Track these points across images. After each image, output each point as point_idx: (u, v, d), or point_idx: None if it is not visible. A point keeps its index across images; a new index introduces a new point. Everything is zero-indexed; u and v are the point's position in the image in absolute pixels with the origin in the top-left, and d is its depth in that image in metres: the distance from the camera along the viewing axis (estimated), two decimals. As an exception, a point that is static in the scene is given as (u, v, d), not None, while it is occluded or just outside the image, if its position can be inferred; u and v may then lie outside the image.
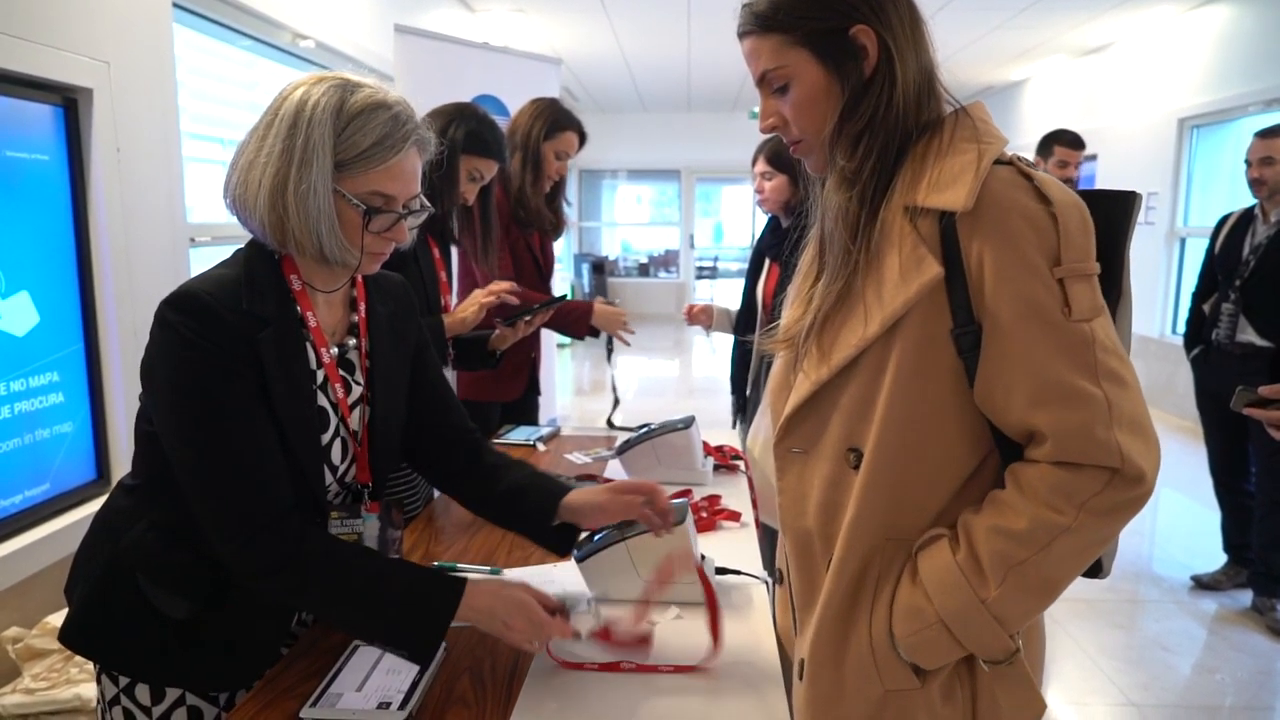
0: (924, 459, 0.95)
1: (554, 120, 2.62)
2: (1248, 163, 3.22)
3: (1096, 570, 1.01)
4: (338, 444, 1.22)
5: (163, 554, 1.15)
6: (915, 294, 0.91)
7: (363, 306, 1.28)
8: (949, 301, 0.91)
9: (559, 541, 1.38)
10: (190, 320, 1.06)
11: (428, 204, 1.20)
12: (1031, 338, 0.88)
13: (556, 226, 2.74)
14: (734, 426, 2.86)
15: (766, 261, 2.72)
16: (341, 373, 1.23)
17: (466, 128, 2.06)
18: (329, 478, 1.22)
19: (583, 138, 2.70)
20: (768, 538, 2.67)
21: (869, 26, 0.95)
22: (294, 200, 1.07)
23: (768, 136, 2.55)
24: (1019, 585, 0.89)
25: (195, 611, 1.15)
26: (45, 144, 2.23)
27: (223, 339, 1.06)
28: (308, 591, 1.12)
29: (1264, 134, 3.20)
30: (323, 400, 1.19)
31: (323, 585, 1.11)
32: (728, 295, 13.94)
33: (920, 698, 0.96)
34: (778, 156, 2.55)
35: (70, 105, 2.29)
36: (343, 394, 1.22)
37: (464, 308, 2.07)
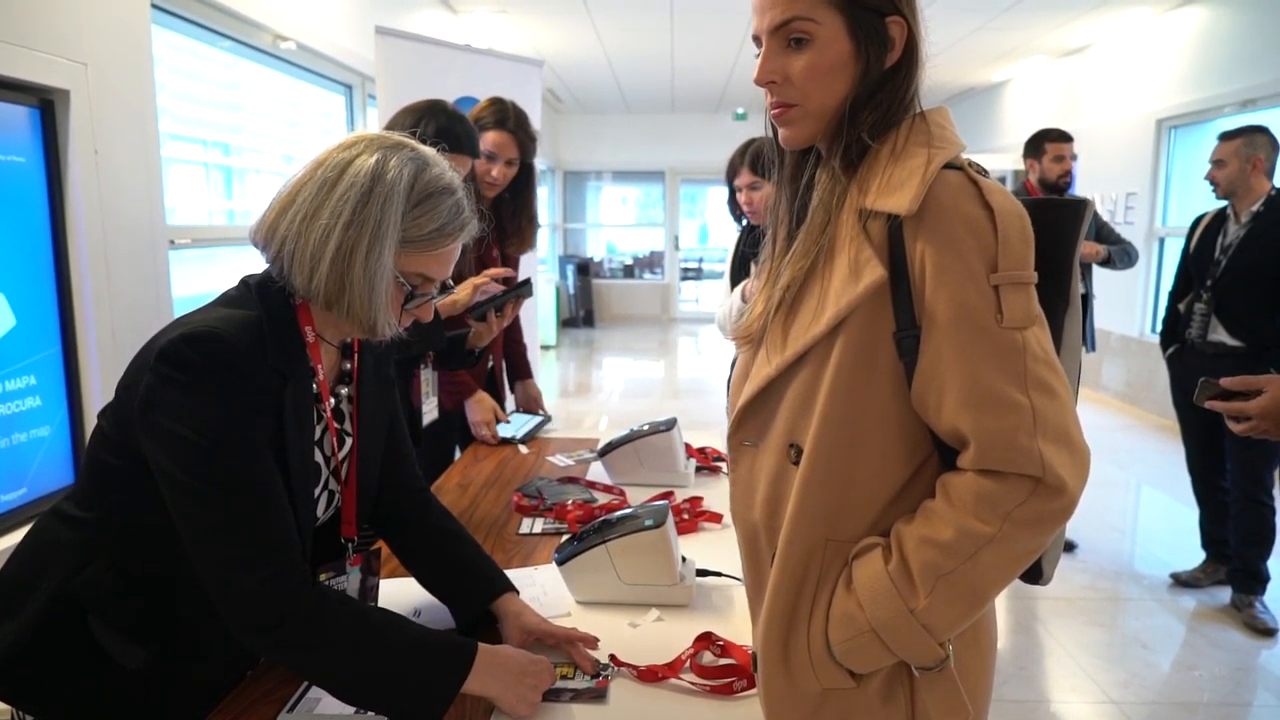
0: (861, 459, 0.95)
1: (483, 115, 2.42)
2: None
3: (1037, 575, 1.02)
4: (324, 497, 1.21)
5: (122, 597, 1.08)
6: (859, 296, 0.91)
7: (356, 356, 1.26)
8: (893, 304, 0.92)
9: (472, 625, 1.32)
10: (214, 362, 1.01)
11: (453, 285, 1.20)
12: (963, 342, 0.88)
13: (516, 241, 2.57)
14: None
15: (753, 267, 2.73)
16: (335, 425, 1.21)
17: (438, 123, 2.04)
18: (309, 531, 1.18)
19: (520, 140, 2.45)
20: None
21: (904, 20, 0.96)
22: (362, 273, 1.05)
23: (741, 148, 2.55)
24: (947, 595, 0.90)
25: (149, 661, 1.09)
26: (21, 146, 2.21)
27: (250, 384, 1.03)
28: (315, 661, 1.04)
29: (1222, 136, 3.26)
30: (319, 454, 1.18)
31: (331, 655, 1.04)
32: (713, 296, 13.96)
33: (858, 697, 0.97)
34: (761, 164, 2.53)
35: (47, 107, 2.27)
36: (336, 446, 1.21)
37: (459, 290, 2.06)
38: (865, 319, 0.93)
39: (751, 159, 2.52)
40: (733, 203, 2.66)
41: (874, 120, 0.97)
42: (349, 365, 1.24)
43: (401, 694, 1.04)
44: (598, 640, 1.29)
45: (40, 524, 1.17)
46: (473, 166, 2.17)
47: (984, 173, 0.95)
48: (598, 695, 1.17)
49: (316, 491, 1.18)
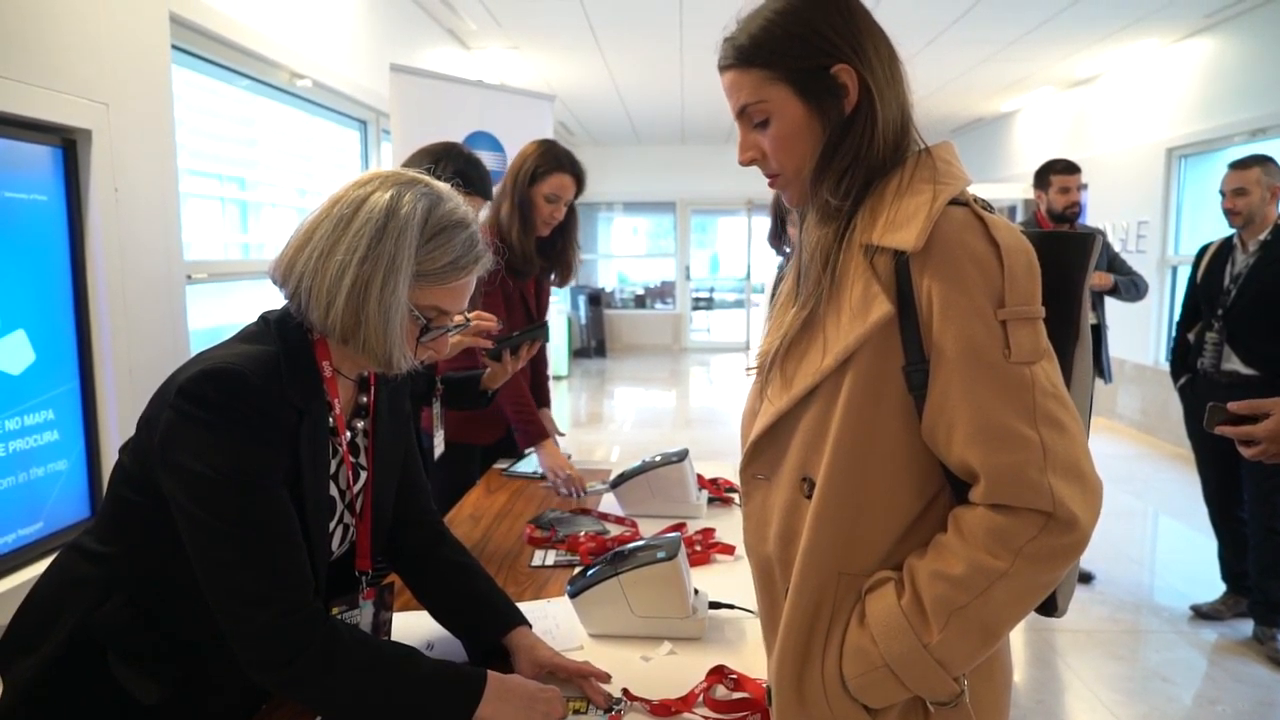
0: (872, 492, 0.95)
1: (543, 162, 2.58)
2: (1222, 193, 3.27)
3: (1051, 609, 1.01)
4: (339, 531, 1.21)
5: (140, 633, 1.09)
6: (867, 331, 0.92)
7: (373, 390, 1.27)
8: (901, 338, 0.92)
9: (486, 658, 1.32)
10: (233, 399, 1.02)
11: (469, 318, 1.21)
12: (971, 377, 0.89)
13: (562, 273, 2.71)
14: None
15: None
16: (350, 459, 1.22)
17: (454, 166, 2.08)
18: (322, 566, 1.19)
19: (579, 179, 2.63)
20: None
21: (850, 66, 0.97)
22: (376, 308, 1.06)
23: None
24: (960, 630, 0.89)
25: (165, 696, 1.09)
26: (44, 185, 2.25)
27: (268, 421, 1.04)
28: (323, 683, 1.04)
29: (1236, 165, 3.25)
30: (334, 489, 1.19)
31: (341, 677, 1.04)
32: (725, 326, 13.97)
33: None
34: None
35: (69, 146, 2.32)
36: (351, 480, 1.21)
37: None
38: (874, 353, 0.93)
39: None
40: (775, 237, 2.67)
41: (844, 166, 0.98)
42: (365, 399, 1.25)
43: None
44: (609, 676, 1.28)
45: (61, 558, 1.18)
46: (510, 205, 2.24)
47: (989, 208, 0.96)
48: None
49: (331, 526, 1.18)
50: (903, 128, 1.00)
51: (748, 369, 1.12)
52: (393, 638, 1.34)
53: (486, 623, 1.34)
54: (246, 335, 1.13)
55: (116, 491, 1.12)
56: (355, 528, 1.25)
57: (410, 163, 2.14)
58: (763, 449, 1.04)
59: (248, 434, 1.02)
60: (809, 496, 0.98)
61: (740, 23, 1.01)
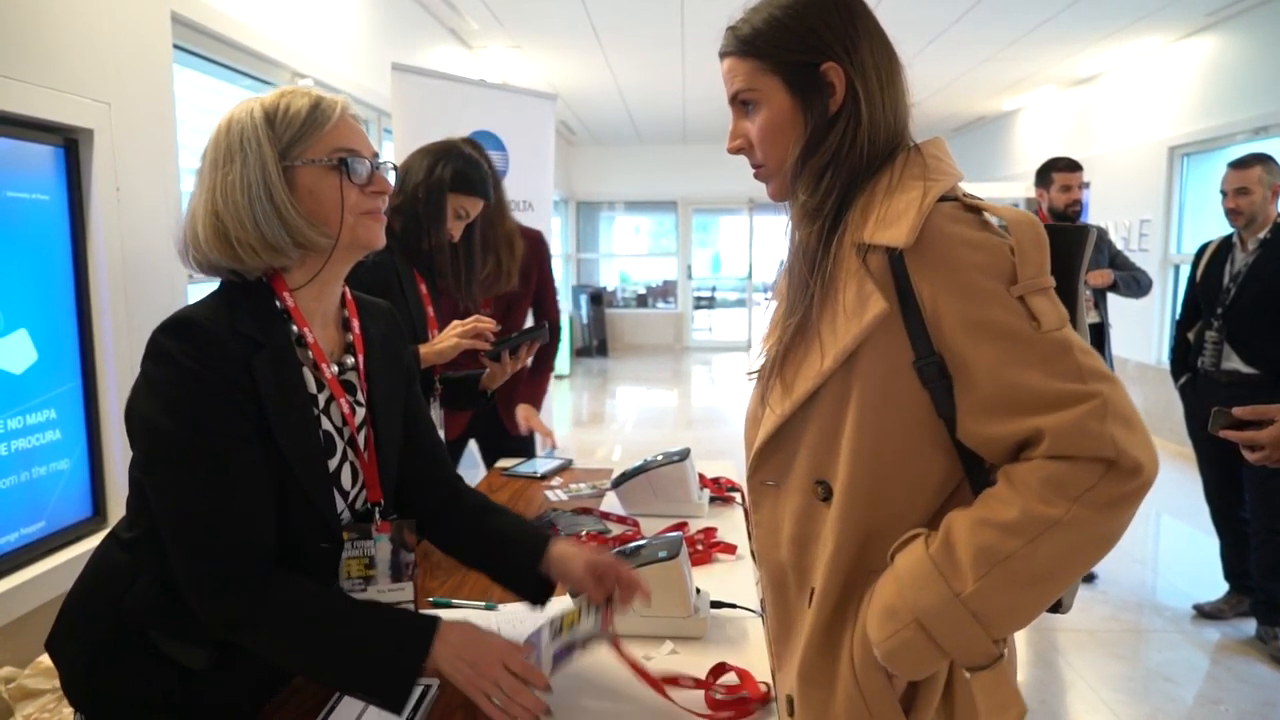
0: (894, 489, 0.95)
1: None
2: (1223, 193, 3.26)
3: (1056, 605, 1.00)
4: (346, 468, 1.21)
5: (173, 607, 1.11)
6: (863, 330, 0.92)
7: (356, 324, 1.27)
8: (907, 334, 0.92)
9: (537, 592, 1.33)
10: (187, 346, 1.04)
11: (393, 163, 1.21)
12: (1011, 359, 0.88)
13: (492, 280, 2.48)
14: None
15: None
16: (346, 396, 1.22)
17: (454, 166, 2.09)
18: (340, 504, 1.20)
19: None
20: None
21: (839, 65, 0.98)
22: (222, 199, 1.08)
23: None
24: (1004, 581, 0.85)
25: (214, 658, 1.12)
26: (46, 184, 2.25)
27: (221, 363, 1.05)
28: (275, 639, 1.07)
29: (1236, 164, 3.24)
30: (328, 424, 1.18)
31: (289, 632, 1.07)
32: (727, 325, 13.97)
33: None
34: None
35: (71, 146, 2.32)
36: (349, 412, 1.21)
37: (441, 338, 2.07)
38: (878, 351, 0.93)
39: None
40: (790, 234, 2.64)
41: (821, 164, 0.98)
42: (351, 336, 1.26)
43: (364, 671, 1.06)
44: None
45: (99, 547, 1.22)
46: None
47: (978, 207, 0.96)
48: (603, 638, 1.19)
49: (334, 463, 1.18)
50: (895, 132, 1.00)
51: (748, 373, 1.12)
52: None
53: (520, 558, 1.33)
54: (209, 295, 1.17)
55: (132, 475, 1.15)
56: (361, 463, 1.24)
57: (409, 161, 2.15)
58: (769, 456, 1.04)
59: (200, 382, 1.04)
60: (825, 500, 0.98)
61: (745, 13, 1.03)
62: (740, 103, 1.04)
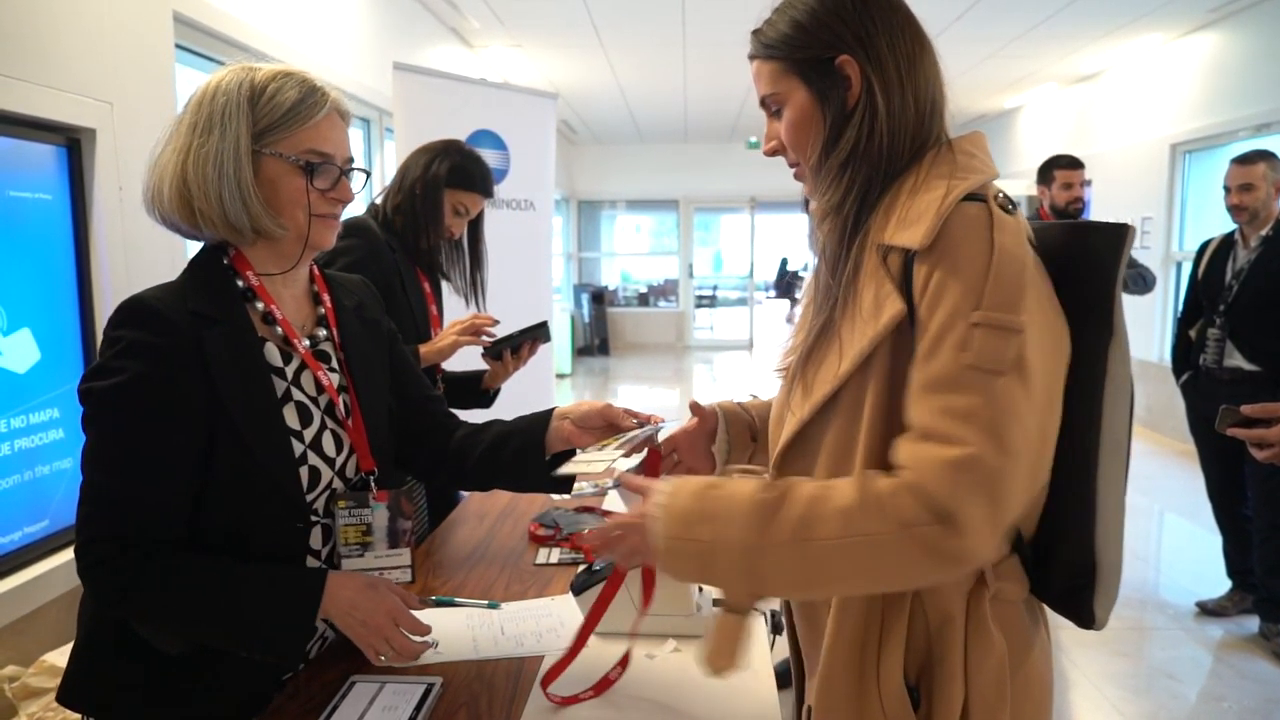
0: None
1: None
2: (1227, 189, 3.25)
3: (1090, 621, 0.97)
4: (328, 436, 1.22)
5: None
6: (880, 332, 0.90)
7: (326, 298, 1.29)
8: (914, 336, 0.90)
9: (555, 480, 1.35)
10: (132, 328, 1.06)
11: (365, 169, 1.23)
12: (921, 374, 0.86)
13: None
14: None
15: None
16: (319, 363, 1.23)
17: (451, 162, 2.09)
18: (327, 472, 1.21)
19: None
20: None
21: (853, 58, 0.97)
22: (193, 167, 1.09)
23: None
24: (798, 559, 0.86)
25: (188, 647, 1.14)
26: (48, 184, 2.26)
27: (165, 341, 1.07)
28: (164, 606, 1.08)
29: (1241, 160, 3.23)
30: (301, 395, 1.19)
31: (178, 599, 1.08)
32: (728, 324, 13.97)
33: None
34: None
35: (73, 145, 2.32)
36: (327, 382, 1.22)
37: (441, 337, 2.06)
38: (892, 355, 0.91)
39: None
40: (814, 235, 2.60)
41: (840, 161, 0.97)
42: (323, 310, 1.28)
43: (257, 629, 1.09)
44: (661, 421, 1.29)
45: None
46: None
47: (1011, 204, 0.93)
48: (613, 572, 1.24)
49: (311, 432, 1.19)
50: (921, 125, 0.98)
51: (776, 369, 1.10)
52: (425, 650, 1.32)
53: (525, 450, 1.35)
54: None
55: None
56: (346, 432, 1.25)
57: (410, 159, 2.16)
58: (791, 460, 1.02)
59: (134, 361, 1.05)
60: None
61: (770, 14, 1.04)
62: (768, 105, 1.05)
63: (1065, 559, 0.96)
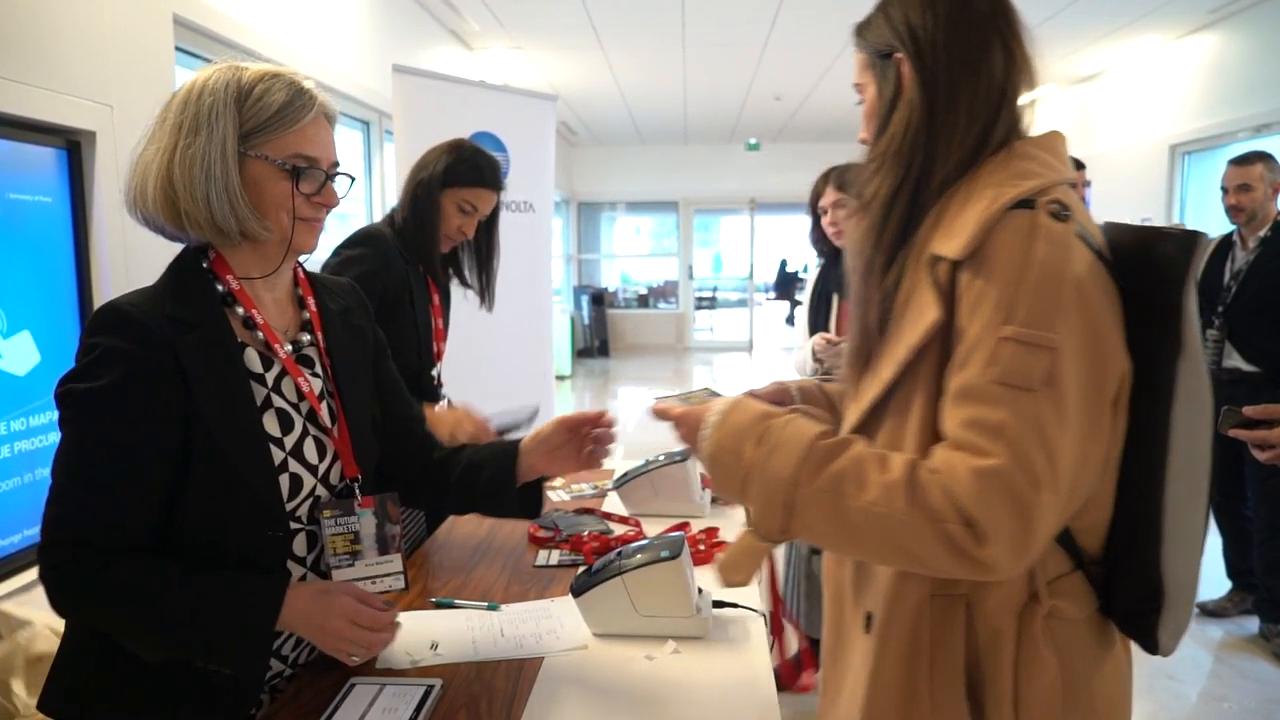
0: None
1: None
2: (1224, 189, 3.25)
3: (1154, 647, 0.97)
4: (310, 442, 1.20)
5: None
6: (920, 339, 0.90)
7: (311, 301, 1.27)
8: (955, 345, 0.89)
9: (526, 505, 1.37)
10: (108, 335, 1.05)
11: (350, 173, 1.21)
12: (958, 385, 0.86)
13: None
14: None
15: (835, 300, 2.58)
16: (301, 368, 1.21)
17: (447, 160, 2.04)
18: (309, 479, 1.19)
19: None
20: (797, 582, 2.63)
21: (906, 56, 0.97)
22: (179, 168, 1.07)
23: (824, 173, 2.53)
24: (827, 509, 0.88)
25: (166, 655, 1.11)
26: (48, 186, 2.26)
27: (141, 349, 1.05)
28: (120, 612, 1.06)
29: (1238, 161, 3.24)
30: (282, 401, 1.17)
31: (135, 606, 1.06)
32: (728, 325, 13.97)
33: None
34: (848, 182, 2.45)
35: (73, 148, 2.32)
36: (307, 389, 1.21)
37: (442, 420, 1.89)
38: (933, 362, 0.91)
39: (837, 180, 2.46)
40: (816, 232, 2.58)
41: (875, 158, 0.98)
42: (308, 314, 1.26)
43: (215, 640, 1.07)
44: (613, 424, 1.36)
45: None
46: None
47: (1064, 211, 0.89)
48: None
49: (293, 439, 1.18)
50: (973, 129, 0.95)
51: (835, 378, 1.14)
52: (399, 637, 1.33)
53: (497, 479, 1.36)
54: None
55: None
56: (330, 439, 1.24)
57: (422, 160, 2.12)
58: None
59: (108, 369, 1.04)
60: None
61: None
62: (858, 95, 1.07)
63: (1129, 580, 0.94)
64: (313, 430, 1.21)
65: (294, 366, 1.20)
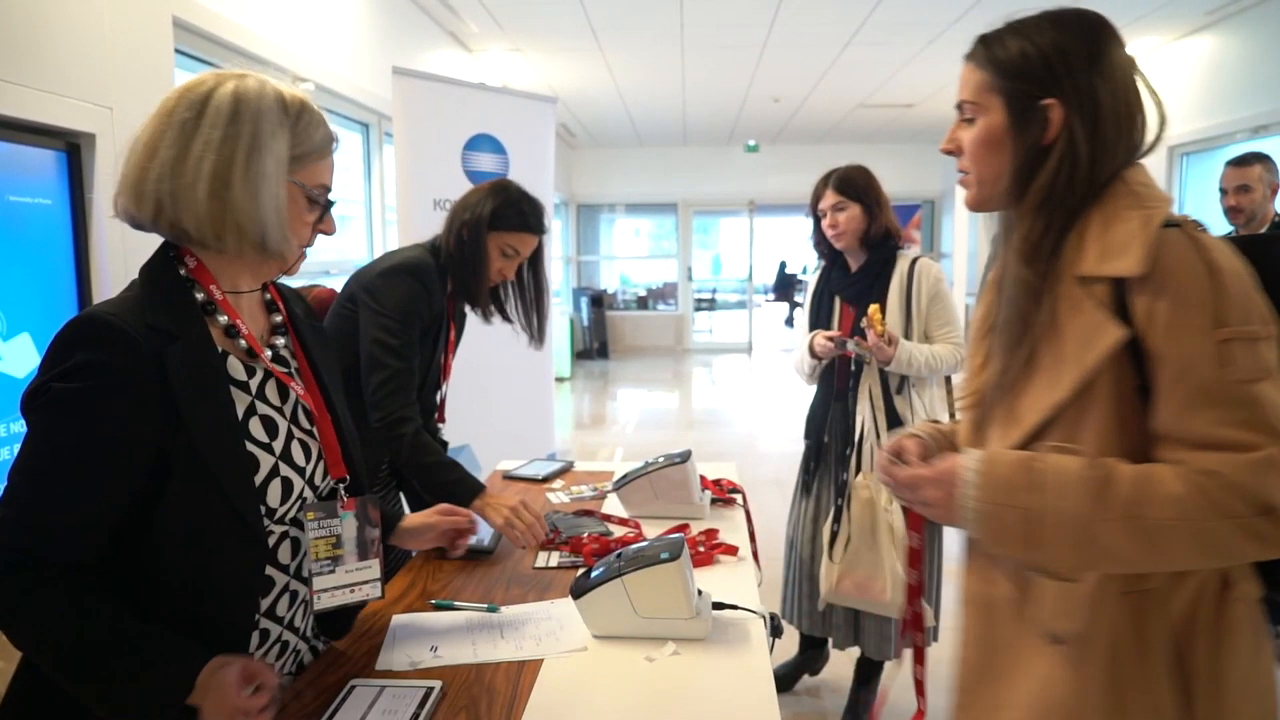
0: None
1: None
2: (1223, 191, 3.26)
3: None
4: (296, 445, 1.20)
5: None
6: (1100, 358, 0.95)
7: (281, 305, 1.27)
8: (1131, 361, 0.95)
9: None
10: (89, 349, 1.00)
11: (334, 200, 1.23)
12: (1194, 393, 0.91)
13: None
14: (805, 483, 2.62)
15: (837, 302, 2.56)
16: (281, 371, 1.21)
17: (494, 203, 2.01)
18: (299, 482, 1.18)
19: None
20: (794, 586, 2.63)
21: (1062, 105, 1.01)
22: (241, 187, 1.06)
23: (824, 175, 2.54)
24: (1132, 534, 0.91)
25: None
26: (48, 188, 2.26)
27: (123, 362, 1.01)
28: (44, 637, 1.00)
29: (1236, 162, 3.24)
30: (267, 408, 1.16)
31: (56, 633, 0.99)
32: (727, 327, 13.97)
33: None
34: (847, 184, 2.43)
35: (73, 150, 2.32)
36: (300, 391, 1.21)
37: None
38: (1112, 380, 0.96)
39: (836, 182, 2.45)
40: (816, 234, 2.57)
41: (1037, 203, 1.02)
42: (279, 317, 1.26)
43: (121, 702, 0.99)
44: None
45: None
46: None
47: (1202, 227, 0.98)
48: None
49: (280, 443, 1.17)
50: (1115, 170, 1.02)
51: (957, 406, 1.16)
52: (394, 640, 1.34)
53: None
54: (127, 286, 1.13)
55: None
56: (314, 440, 1.23)
57: (460, 201, 2.08)
58: None
59: (88, 379, 0.99)
60: None
61: (1004, 25, 1.07)
62: (963, 110, 1.09)
63: None
64: (298, 433, 1.21)
65: (278, 370, 1.20)
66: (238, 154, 1.06)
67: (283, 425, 1.18)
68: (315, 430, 1.24)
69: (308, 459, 1.22)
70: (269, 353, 1.19)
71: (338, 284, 2.22)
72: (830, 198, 2.44)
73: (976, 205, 1.10)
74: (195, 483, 1.05)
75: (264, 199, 1.08)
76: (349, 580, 1.24)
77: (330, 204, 1.20)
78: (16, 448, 2.11)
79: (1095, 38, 1.03)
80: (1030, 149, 1.02)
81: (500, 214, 2.02)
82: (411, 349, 1.95)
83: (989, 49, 1.06)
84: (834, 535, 2.43)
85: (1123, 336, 0.94)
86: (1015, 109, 1.03)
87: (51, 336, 1.03)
